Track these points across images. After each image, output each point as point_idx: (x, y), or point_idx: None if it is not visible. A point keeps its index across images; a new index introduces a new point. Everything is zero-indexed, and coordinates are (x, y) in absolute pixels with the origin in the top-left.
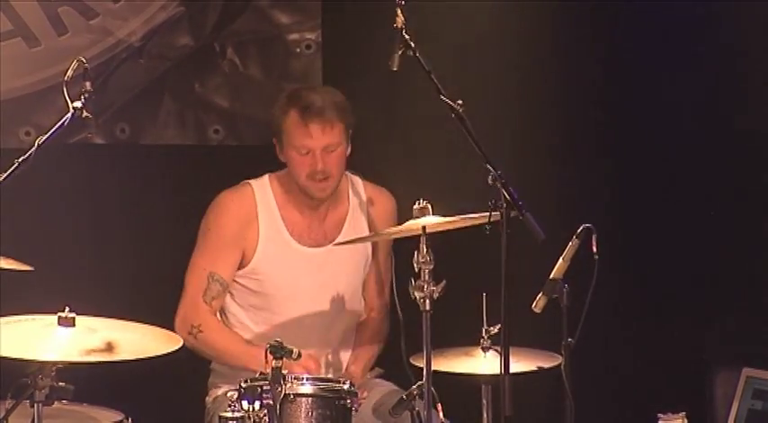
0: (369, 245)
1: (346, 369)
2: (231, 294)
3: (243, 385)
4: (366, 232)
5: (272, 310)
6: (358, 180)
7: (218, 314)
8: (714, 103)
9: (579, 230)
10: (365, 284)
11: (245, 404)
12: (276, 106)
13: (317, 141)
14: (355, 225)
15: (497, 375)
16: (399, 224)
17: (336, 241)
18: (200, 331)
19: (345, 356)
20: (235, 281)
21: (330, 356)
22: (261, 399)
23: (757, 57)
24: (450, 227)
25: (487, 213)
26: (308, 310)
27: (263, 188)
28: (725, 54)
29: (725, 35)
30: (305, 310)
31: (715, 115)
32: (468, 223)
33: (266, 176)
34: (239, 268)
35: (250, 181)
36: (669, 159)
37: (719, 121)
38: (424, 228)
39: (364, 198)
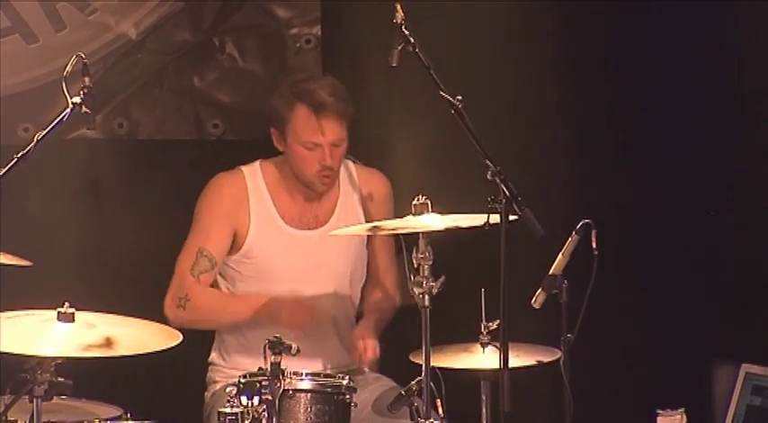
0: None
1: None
2: (225, 280)
3: (241, 381)
4: (359, 215)
5: (266, 293)
6: (349, 163)
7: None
8: (716, 101)
9: (579, 226)
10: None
11: (243, 399)
12: (278, 97)
13: (328, 137)
14: (347, 208)
15: (496, 371)
16: (395, 204)
17: (332, 232)
18: (188, 299)
19: (338, 341)
20: (228, 265)
21: (322, 341)
22: (260, 394)
23: (760, 56)
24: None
25: (486, 209)
26: (301, 293)
27: (253, 173)
28: (727, 53)
29: (728, 34)
30: (298, 293)
31: (717, 113)
32: (466, 225)
33: (257, 162)
34: (232, 253)
35: (242, 167)
36: (669, 156)
37: (721, 120)
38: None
39: (356, 181)
